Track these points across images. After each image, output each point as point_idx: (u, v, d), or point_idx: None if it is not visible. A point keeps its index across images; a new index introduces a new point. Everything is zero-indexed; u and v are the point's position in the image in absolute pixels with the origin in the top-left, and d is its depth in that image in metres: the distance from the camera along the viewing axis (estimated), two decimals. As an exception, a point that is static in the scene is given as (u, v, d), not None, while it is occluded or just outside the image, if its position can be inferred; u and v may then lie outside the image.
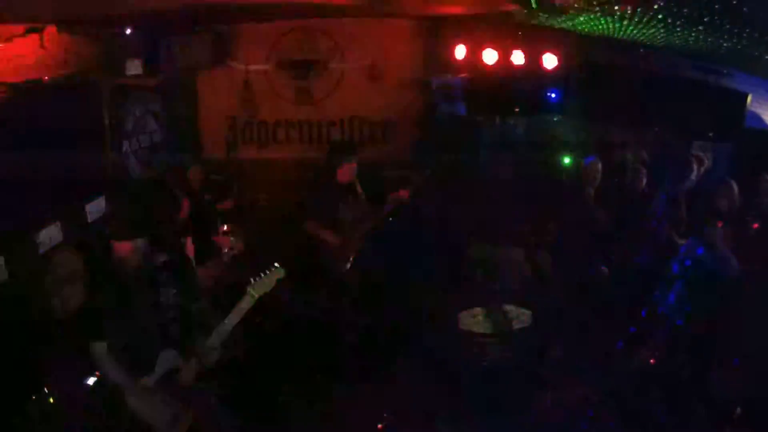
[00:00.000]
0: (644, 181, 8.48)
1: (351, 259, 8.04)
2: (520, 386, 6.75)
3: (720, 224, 6.72)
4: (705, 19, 5.24)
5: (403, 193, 7.95)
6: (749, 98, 7.67)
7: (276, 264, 5.31)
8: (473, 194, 9.22)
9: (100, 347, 4.86)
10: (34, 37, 6.14)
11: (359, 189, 8.14)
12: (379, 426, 6.61)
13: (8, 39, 5.74)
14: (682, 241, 7.63)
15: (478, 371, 7.11)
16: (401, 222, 8.39)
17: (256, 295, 5.13)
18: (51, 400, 6.12)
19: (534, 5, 6.71)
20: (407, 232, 8.62)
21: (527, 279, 8.71)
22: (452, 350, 7.49)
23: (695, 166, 8.47)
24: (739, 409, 6.07)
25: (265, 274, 5.20)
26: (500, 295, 7.95)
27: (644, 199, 8.36)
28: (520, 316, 7.53)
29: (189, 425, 5.00)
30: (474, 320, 7.61)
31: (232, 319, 5.07)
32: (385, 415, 6.69)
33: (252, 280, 5.16)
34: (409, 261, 8.44)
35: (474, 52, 9.21)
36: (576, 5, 6.26)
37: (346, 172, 7.98)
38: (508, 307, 7.64)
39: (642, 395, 6.60)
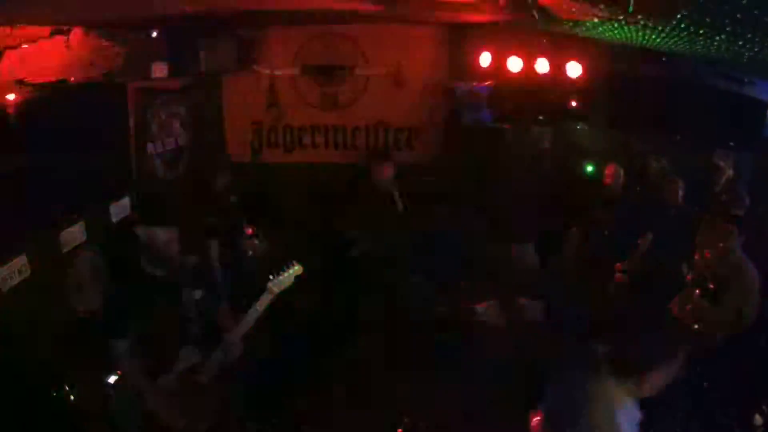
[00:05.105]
0: (681, 194, 8.26)
1: None
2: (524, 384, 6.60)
3: (738, 232, 6.65)
4: (727, 29, 5.23)
5: None
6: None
7: (294, 261, 5.37)
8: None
9: (121, 345, 4.90)
10: (60, 38, 6.21)
11: None
12: (399, 430, 6.61)
13: (34, 41, 5.80)
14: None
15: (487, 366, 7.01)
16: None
17: (276, 291, 5.19)
18: (72, 398, 6.21)
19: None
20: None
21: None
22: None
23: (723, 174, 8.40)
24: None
25: (284, 270, 5.26)
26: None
27: (680, 212, 8.16)
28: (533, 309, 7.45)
29: (208, 424, 5.05)
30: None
31: (253, 314, 5.13)
32: (405, 420, 6.70)
33: (271, 276, 5.22)
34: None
35: (499, 60, 9.25)
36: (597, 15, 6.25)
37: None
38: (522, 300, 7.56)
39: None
